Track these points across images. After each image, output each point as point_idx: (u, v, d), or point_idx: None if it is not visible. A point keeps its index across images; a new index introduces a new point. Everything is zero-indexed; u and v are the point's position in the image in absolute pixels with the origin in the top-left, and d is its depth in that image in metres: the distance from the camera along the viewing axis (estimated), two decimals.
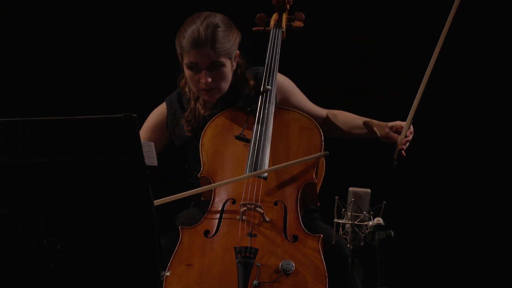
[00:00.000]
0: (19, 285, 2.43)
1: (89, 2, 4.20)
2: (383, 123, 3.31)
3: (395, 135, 3.24)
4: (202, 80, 3.16)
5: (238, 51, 3.26)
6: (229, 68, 3.20)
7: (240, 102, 3.25)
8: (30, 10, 4.19)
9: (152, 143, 2.95)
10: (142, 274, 2.38)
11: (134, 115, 2.27)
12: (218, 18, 3.17)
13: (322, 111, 3.44)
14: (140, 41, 4.20)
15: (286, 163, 3.02)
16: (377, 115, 4.07)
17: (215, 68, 3.16)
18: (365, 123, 3.36)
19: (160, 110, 3.40)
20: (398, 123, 3.27)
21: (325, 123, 3.40)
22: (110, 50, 4.21)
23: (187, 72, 3.22)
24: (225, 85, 3.22)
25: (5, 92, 4.20)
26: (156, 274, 2.38)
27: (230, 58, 3.20)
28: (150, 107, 3.46)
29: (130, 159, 2.29)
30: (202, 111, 3.31)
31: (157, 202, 2.88)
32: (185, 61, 3.19)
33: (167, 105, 3.38)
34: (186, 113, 3.30)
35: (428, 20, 4.09)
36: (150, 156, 2.88)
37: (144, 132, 3.39)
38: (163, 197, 2.95)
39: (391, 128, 3.26)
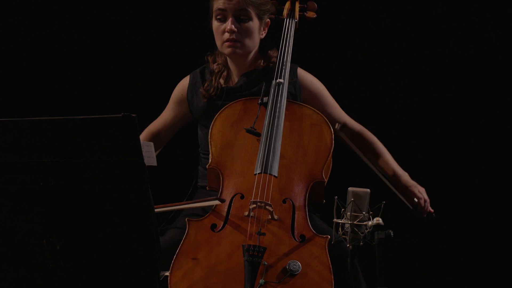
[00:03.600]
0: (19, 285, 2.43)
1: (89, 2, 4.20)
2: (406, 183, 3.27)
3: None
4: (227, 28, 3.14)
5: (268, 20, 3.24)
6: (256, 27, 3.19)
7: (262, 85, 3.17)
8: (30, 10, 4.19)
9: (152, 143, 2.95)
10: (142, 274, 2.38)
11: (133, 115, 2.27)
12: None
13: (352, 123, 3.34)
14: (140, 41, 4.20)
15: (178, 204, 2.98)
16: (390, 109, 4.06)
17: (242, 20, 3.15)
18: (389, 169, 3.31)
19: (182, 84, 3.38)
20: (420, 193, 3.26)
21: (351, 136, 3.30)
22: (110, 50, 4.21)
23: (214, 25, 3.20)
24: (249, 43, 3.19)
25: (5, 92, 4.20)
26: (156, 274, 2.38)
27: (258, 17, 3.19)
28: (150, 107, 3.46)
29: (130, 159, 2.30)
30: (222, 83, 3.28)
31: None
32: (214, 8, 3.18)
33: (190, 78, 3.36)
34: (206, 82, 3.28)
35: (444, 9, 4.07)
36: (150, 156, 2.88)
37: (171, 104, 3.38)
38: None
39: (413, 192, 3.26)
